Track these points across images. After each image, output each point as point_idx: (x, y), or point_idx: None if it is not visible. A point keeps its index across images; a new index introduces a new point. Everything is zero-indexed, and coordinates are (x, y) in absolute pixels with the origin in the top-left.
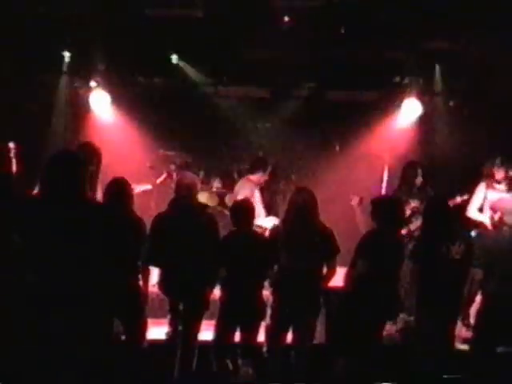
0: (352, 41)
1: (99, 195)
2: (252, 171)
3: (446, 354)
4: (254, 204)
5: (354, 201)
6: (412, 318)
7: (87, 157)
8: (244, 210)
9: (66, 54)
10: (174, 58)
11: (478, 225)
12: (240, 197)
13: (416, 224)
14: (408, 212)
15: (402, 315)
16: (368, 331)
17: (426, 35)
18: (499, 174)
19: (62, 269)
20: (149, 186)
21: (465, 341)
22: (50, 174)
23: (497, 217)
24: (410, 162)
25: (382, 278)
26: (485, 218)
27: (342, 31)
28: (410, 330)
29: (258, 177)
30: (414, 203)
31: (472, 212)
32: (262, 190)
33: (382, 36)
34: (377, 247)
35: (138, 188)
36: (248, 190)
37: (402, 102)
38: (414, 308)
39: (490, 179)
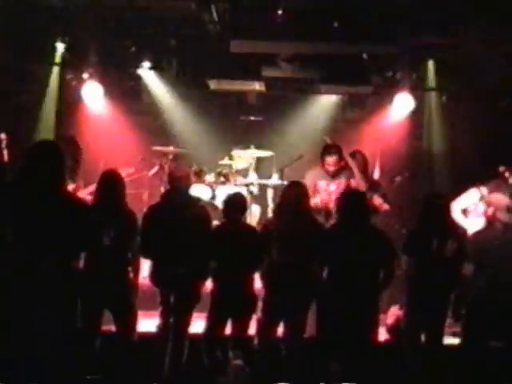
0: (345, 35)
1: (81, 187)
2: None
3: (434, 350)
4: None
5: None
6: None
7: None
8: (235, 202)
9: (60, 45)
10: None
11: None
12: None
13: None
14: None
15: (392, 308)
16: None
17: (418, 30)
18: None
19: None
20: (131, 170)
21: (455, 335)
22: (26, 163)
23: (490, 212)
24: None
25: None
26: (465, 222)
27: (336, 25)
28: (400, 325)
29: None
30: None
31: (455, 210)
32: None
33: (375, 30)
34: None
35: (121, 172)
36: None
37: (394, 96)
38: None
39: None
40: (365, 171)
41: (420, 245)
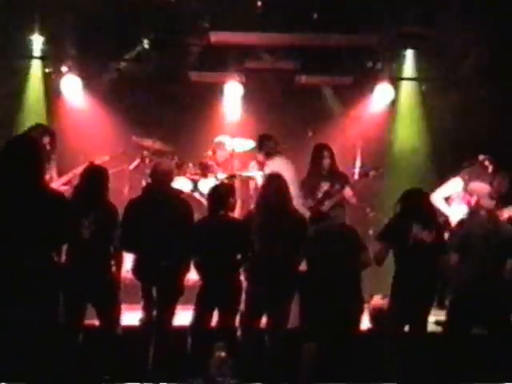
0: (325, 26)
1: (54, 178)
2: None
3: (418, 338)
4: None
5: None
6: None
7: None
8: (219, 195)
9: (38, 39)
10: (146, 43)
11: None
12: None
13: (328, 206)
14: (320, 195)
15: (376, 297)
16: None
17: (398, 20)
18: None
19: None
20: (106, 158)
21: (438, 323)
22: (3, 158)
23: (473, 200)
24: (316, 145)
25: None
26: (446, 209)
27: (315, 16)
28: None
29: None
30: (325, 186)
31: (437, 198)
32: None
33: (354, 21)
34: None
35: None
36: None
37: (374, 86)
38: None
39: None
40: (333, 163)
41: (398, 232)
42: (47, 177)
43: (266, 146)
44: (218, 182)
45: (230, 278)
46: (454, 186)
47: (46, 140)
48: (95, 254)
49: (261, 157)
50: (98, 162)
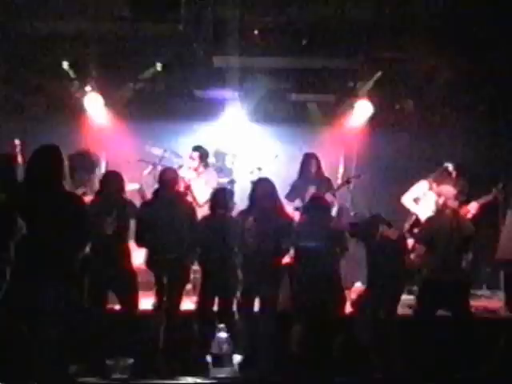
0: (312, 51)
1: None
2: None
3: (389, 322)
4: None
5: None
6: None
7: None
8: (219, 198)
9: (65, 63)
10: (158, 66)
11: None
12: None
13: None
14: (307, 197)
15: (356, 284)
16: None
17: (374, 46)
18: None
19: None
20: (137, 186)
21: (409, 306)
22: (31, 163)
23: (441, 201)
24: (305, 154)
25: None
26: (416, 209)
27: (304, 43)
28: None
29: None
30: (312, 189)
31: (407, 199)
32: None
33: (337, 47)
34: None
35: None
36: None
37: (354, 103)
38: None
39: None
40: (319, 169)
41: (366, 231)
42: (84, 190)
43: (206, 156)
44: (218, 186)
45: (227, 268)
46: (420, 188)
47: (87, 163)
48: (116, 247)
49: (201, 166)
50: (129, 189)
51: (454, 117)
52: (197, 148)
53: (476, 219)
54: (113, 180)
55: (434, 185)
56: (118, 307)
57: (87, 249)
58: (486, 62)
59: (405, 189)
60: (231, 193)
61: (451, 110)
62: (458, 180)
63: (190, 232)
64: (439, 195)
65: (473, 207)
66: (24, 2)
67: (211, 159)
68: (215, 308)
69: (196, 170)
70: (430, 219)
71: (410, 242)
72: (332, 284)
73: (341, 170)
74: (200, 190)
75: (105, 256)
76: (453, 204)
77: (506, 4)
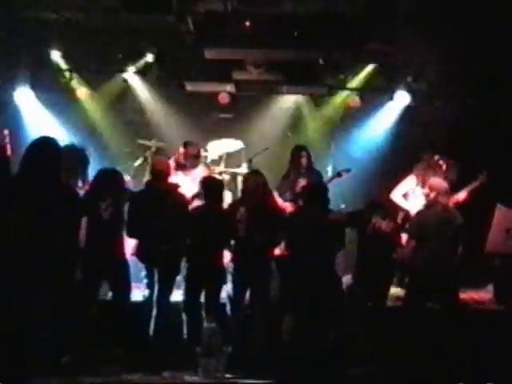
0: (304, 43)
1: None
2: None
3: (378, 312)
4: None
5: None
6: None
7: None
8: (211, 187)
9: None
10: (149, 57)
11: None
12: None
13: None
14: (298, 189)
15: (346, 276)
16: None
17: (365, 38)
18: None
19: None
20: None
21: (398, 299)
22: (28, 155)
23: (432, 195)
24: (296, 147)
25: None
26: (405, 204)
27: (295, 35)
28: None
29: None
30: (302, 182)
31: (396, 195)
32: None
33: (329, 39)
34: None
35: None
36: None
37: (346, 96)
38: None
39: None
40: (309, 162)
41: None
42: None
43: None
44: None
45: (215, 259)
46: (408, 183)
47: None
48: (112, 234)
49: (188, 163)
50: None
51: (445, 108)
52: (185, 144)
53: (465, 203)
54: (107, 169)
55: (421, 179)
56: (109, 296)
57: (83, 235)
58: (477, 54)
59: (394, 183)
60: (221, 184)
61: (443, 101)
62: (448, 173)
63: (182, 223)
64: (431, 189)
65: (461, 195)
66: None
67: (203, 153)
68: (202, 299)
69: (184, 166)
70: (419, 213)
71: (404, 236)
72: (331, 277)
73: (331, 162)
74: (187, 187)
75: (101, 243)
76: (443, 199)
77: None
